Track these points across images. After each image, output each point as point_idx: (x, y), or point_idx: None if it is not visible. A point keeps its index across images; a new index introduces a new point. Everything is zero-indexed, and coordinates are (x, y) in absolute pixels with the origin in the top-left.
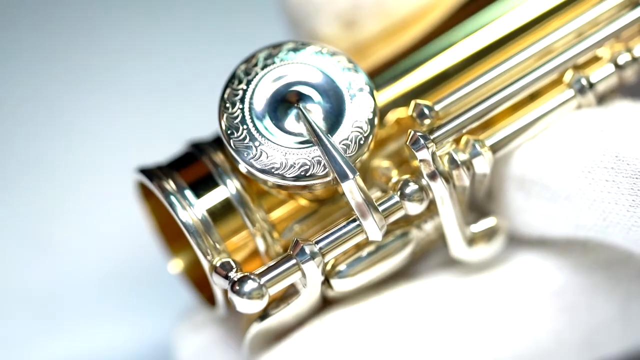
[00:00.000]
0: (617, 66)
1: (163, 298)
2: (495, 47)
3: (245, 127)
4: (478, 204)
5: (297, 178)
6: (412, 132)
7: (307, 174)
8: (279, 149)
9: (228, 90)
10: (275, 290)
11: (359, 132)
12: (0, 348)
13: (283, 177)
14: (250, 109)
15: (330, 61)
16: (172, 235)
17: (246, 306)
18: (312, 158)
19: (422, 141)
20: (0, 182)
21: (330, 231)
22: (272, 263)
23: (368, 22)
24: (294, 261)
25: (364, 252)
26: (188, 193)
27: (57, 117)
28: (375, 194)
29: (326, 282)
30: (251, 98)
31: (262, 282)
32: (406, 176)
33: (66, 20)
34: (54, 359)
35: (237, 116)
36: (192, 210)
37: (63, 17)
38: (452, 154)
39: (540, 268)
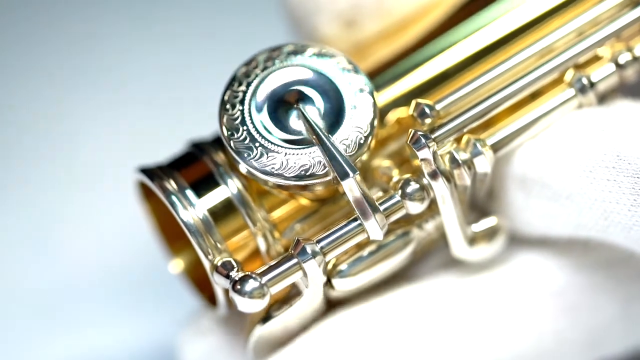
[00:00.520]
0: (617, 65)
1: (163, 298)
2: (496, 47)
3: (245, 128)
4: (479, 203)
5: (297, 178)
6: (413, 132)
7: (307, 174)
8: (279, 149)
9: (228, 93)
10: (276, 289)
11: (358, 132)
12: (0, 348)
13: (283, 177)
14: (250, 111)
15: (330, 63)
16: (172, 235)
17: (247, 305)
18: (312, 158)
19: (423, 140)
20: (0, 183)
21: (331, 230)
22: (273, 262)
23: (368, 21)
24: (295, 260)
25: (365, 252)
26: (189, 193)
27: (57, 117)
28: (376, 194)
29: (328, 282)
30: (251, 100)
31: (263, 282)
32: (407, 175)
33: (66, 22)
34: (54, 359)
35: (237, 117)
36: (193, 210)
37: (63, 19)
38: (453, 153)
39: (541, 268)
